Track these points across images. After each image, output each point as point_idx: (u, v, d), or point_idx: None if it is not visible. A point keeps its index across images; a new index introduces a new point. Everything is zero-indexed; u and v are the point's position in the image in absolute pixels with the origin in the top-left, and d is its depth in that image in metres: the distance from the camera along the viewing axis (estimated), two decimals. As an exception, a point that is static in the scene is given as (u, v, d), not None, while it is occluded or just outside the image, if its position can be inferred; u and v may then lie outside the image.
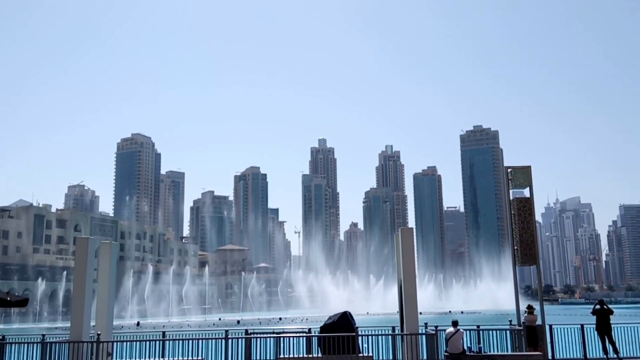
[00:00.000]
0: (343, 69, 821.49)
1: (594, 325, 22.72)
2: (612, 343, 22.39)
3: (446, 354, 21.05)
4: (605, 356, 22.34)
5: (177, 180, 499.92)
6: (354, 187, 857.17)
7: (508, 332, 22.88)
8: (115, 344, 21.60)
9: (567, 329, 22.85)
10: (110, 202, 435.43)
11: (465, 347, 21.34)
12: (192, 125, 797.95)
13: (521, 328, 22.26)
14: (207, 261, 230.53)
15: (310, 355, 20.67)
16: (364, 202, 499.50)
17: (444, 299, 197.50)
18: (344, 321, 20.96)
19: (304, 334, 21.99)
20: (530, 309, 22.90)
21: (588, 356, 22.43)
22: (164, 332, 22.64)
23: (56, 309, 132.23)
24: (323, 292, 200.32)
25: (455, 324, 21.21)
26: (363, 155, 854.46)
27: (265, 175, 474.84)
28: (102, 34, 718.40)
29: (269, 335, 22.31)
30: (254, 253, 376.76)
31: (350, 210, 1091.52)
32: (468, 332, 22.52)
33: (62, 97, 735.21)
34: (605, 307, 22.89)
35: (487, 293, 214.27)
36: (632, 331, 23.15)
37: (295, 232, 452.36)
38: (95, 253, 22.96)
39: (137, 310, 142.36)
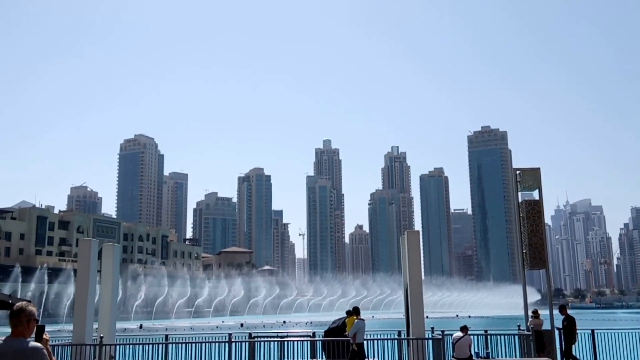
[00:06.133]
0: (348, 68, 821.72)
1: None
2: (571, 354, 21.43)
3: (453, 359, 20.75)
4: None
5: (180, 182, 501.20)
6: (359, 189, 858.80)
7: (516, 337, 22.56)
8: (118, 347, 21.44)
9: (578, 334, 22.42)
10: (113, 204, 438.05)
11: (473, 353, 21.02)
12: (195, 126, 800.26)
13: (530, 333, 21.89)
14: (211, 263, 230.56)
15: (315, 360, 20.50)
16: (369, 204, 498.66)
17: (451, 303, 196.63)
18: (349, 325, 20.72)
19: (308, 338, 21.84)
20: (535, 313, 22.47)
21: (598, 362, 22.07)
22: (167, 335, 22.47)
23: (59, 312, 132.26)
24: (327, 295, 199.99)
25: (463, 329, 20.87)
26: (368, 157, 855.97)
27: (269, 176, 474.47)
28: (104, 34, 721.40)
29: (272, 339, 22.15)
30: (257, 255, 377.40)
31: (356, 212, 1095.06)
32: (475, 336, 22.22)
33: (64, 97, 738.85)
34: (566, 323, 21.54)
35: (495, 297, 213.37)
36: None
37: (300, 235, 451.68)
38: (98, 255, 22.81)
39: (140, 313, 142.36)
